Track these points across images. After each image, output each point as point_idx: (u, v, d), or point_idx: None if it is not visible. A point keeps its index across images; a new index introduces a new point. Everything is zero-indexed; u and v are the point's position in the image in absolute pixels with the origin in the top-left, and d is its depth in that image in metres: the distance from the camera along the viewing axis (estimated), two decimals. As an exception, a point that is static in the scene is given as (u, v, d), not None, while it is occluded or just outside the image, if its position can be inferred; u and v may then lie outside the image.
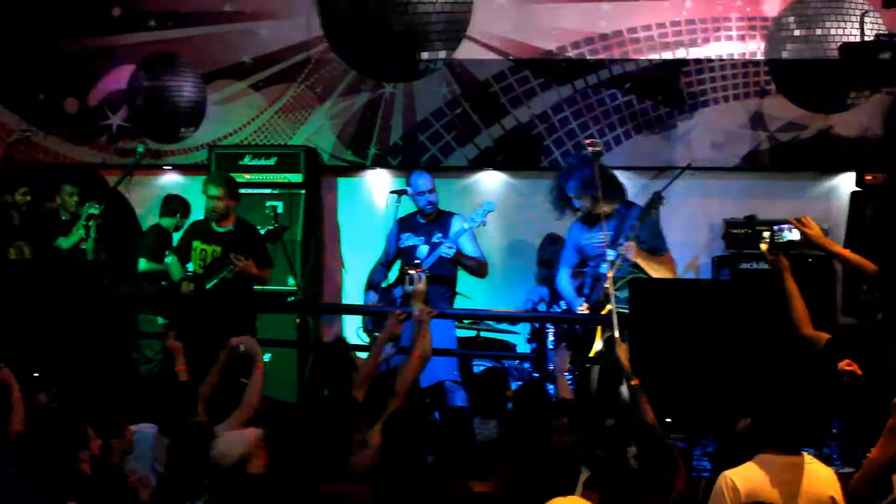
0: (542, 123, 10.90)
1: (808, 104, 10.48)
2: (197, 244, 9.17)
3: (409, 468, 5.38)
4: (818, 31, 10.47)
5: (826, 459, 7.04)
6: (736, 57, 10.61)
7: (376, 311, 9.08)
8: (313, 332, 10.62)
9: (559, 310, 9.46)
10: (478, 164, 11.06)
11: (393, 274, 9.29)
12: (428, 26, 11.02)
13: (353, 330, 9.73)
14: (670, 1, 10.68)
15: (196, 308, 8.97)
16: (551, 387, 7.57)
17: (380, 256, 9.43)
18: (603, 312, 8.18)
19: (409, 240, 9.18)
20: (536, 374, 9.07)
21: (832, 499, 5.18)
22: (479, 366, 9.63)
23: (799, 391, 5.32)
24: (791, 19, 10.53)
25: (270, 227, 9.36)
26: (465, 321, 9.79)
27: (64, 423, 5.79)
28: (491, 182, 11.07)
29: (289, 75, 11.36)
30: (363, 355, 7.57)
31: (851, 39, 10.02)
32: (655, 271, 8.34)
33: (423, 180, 9.22)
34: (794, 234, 6.64)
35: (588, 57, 10.79)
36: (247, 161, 10.93)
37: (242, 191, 9.61)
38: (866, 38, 8.74)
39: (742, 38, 10.61)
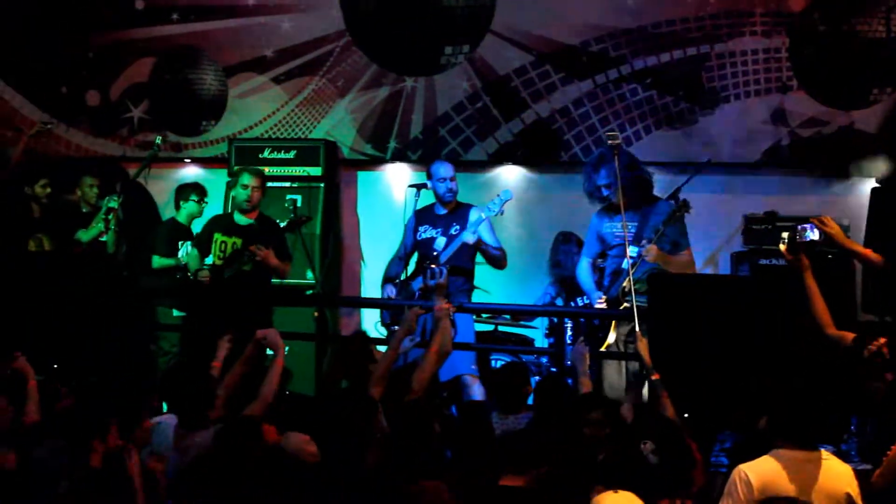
0: (562, 118, 10.89)
1: (830, 100, 10.43)
2: (218, 236, 9.22)
3: (421, 461, 5.39)
4: (843, 27, 10.42)
5: (844, 456, 7.02)
6: (759, 52, 10.57)
7: (394, 304, 9.08)
8: (331, 325, 10.64)
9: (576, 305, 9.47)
10: (498, 159, 11.05)
11: (411, 267, 9.28)
12: (451, 20, 11.00)
13: (371, 323, 9.72)
14: (695, -5, 10.67)
15: (214, 300, 8.99)
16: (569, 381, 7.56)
17: (397, 249, 9.42)
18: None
19: (426, 232, 9.16)
20: (555, 369, 9.06)
21: (848, 495, 5.16)
22: (496, 360, 9.64)
23: (815, 387, 5.31)
24: (816, 15, 10.48)
25: (293, 217, 9.38)
26: (483, 315, 9.78)
27: (84, 416, 5.83)
28: (511, 176, 11.06)
29: (310, 69, 11.36)
30: (382, 349, 7.56)
31: (877, 36, 9.99)
32: (674, 270, 8.32)
33: (444, 168, 9.21)
34: (815, 234, 6.60)
35: (611, 52, 10.76)
36: (266, 154, 10.94)
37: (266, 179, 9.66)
38: (892, 35, 8.71)
39: (766, 33, 10.56)
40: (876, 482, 5.20)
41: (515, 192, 9.90)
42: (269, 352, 7.13)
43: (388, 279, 9.35)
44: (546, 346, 9.95)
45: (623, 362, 8.30)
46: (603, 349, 8.37)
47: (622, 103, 10.77)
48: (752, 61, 10.57)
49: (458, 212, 9.12)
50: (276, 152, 10.94)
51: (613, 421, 6.25)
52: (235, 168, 10.51)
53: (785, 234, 6.60)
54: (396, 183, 11.15)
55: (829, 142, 10.43)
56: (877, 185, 9.83)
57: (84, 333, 8.54)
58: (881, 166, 10.08)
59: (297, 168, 10.88)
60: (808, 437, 5.23)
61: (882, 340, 6.06)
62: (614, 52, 10.77)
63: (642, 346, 6.77)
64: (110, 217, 9.88)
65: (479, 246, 8.89)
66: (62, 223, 10.28)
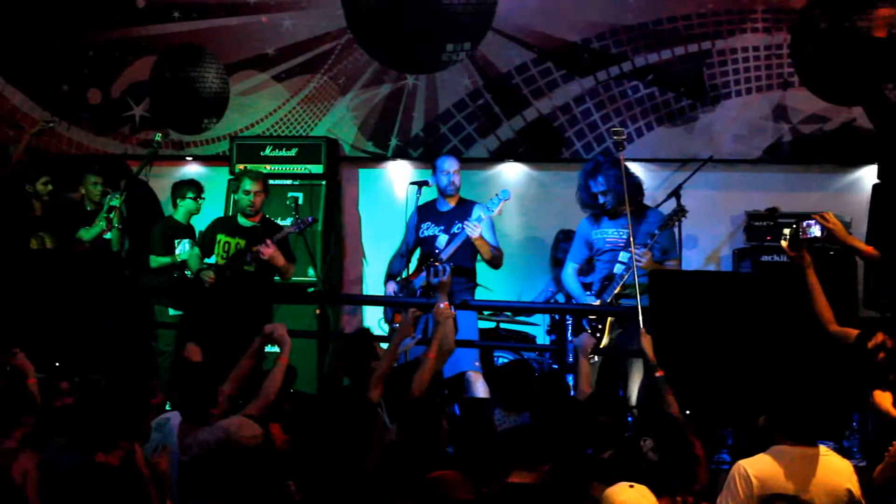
0: (563, 115, 10.89)
1: (831, 97, 10.43)
2: (221, 237, 9.27)
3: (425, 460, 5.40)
4: (844, 24, 10.42)
5: (846, 453, 7.02)
6: (760, 49, 10.56)
7: (396, 302, 9.09)
8: (333, 322, 10.65)
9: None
10: (499, 156, 11.05)
11: (413, 264, 9.27)
12: (453, 17, 11.00)
13: (373, 321, 9.73)
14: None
15: (216, 298, 9.00)
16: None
17: (399, 246, 9.42)
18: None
19: (428, 229, 9.16)
20: (556, 367, 9.06)
21: (848, 491, 5.16)
22: (499, 357, 9.63)
23: (815, 383, 5.31)
24: (817, 12, 10.47)
25: (298, 219, 9.38)
26: (485, 312, 9.78)
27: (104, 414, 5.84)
28: (512, 174, 11.06)
29: (311, 66, 11.37)
30: (385, 346, 7.56)
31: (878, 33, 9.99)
32: None
33: (448, 162, 9.23)
34: (816, 230, 6.61)
35: (613, 49, 10.76)
36: (268, 152, 10.94)
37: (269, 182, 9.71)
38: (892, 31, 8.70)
39: (768, 30, 10.55)
40: (877, 479, 5.20)
41: (517, 190, 9.94)
42: (269, 349, 7.14)
43: (390, 276, 9.36)
44: (548, 343, 9.95)
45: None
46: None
47: (623, 100, 10.77)
48: (753, 58, 10.56)
49: (461, 209, 9.12)
50: (277, 150, 10.95)
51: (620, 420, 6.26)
52: (238, 169, 10.56)
53: (787, 231, 6.60)
54: (398, 180, 11.16)
55: (830, 138, 10.43)
56: (878, 181, 9.82)
57: (86, 331, 8.55)
58: None
59: (299, 166, 10.89)
60: (807, 433, 5.23)
61: (880, 337, 6.06)
62: (616, 48, 10.77)
63: (646, 342, 6.76)
64: (112, 215, 9.89)
65: (479, 242, 8.86)
66: (64, 221, 10.28)
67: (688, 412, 6.40)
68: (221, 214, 10.24)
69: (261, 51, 11.47)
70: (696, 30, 10.65)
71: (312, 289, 10.27)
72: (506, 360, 9.47)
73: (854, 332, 6.32)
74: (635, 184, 8.61)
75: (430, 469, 5.39)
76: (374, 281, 10.97)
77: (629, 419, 6.57)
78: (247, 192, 9.21)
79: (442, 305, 7.26)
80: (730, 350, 7.39)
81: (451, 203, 9.20)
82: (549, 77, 10.92)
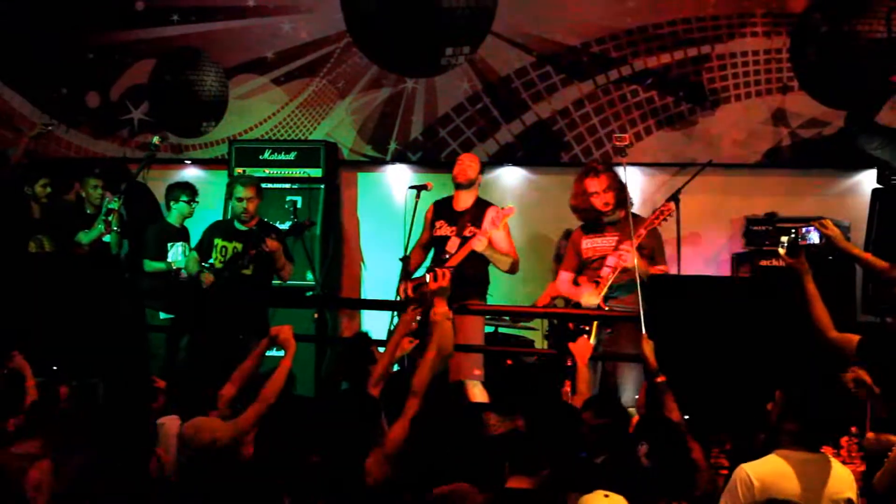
0: (563, 119, 10.89)
1: (831, 101, 10.42)
2: (218, 241, 9.28)
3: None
4: (844, 28, 10.41)
5: (843, 458, 7.01)
6: (760, 53, 10.56)
7: (392, 305, 9.09)
8: (331, 326, 10.64)
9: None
10: (498, 160, 11.04)
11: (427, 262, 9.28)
12: (452, 21, 11.00)
13: (372, 324, 9.71)
14: (697, -4, 10.67)
15: (214, 300, 9.02)
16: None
17: (419, 237, 9.36)
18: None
19: (441, 229, 9.11)
20: (554, 372, 9.03)
21: (849, 498, 5.16)
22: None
23: (819, 388, 5.30)
24: (816, 16, 10.47)
25: (296, 222, 9.39)
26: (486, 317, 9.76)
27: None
28: (511, 178, 11.06)
29: (310, 70, 11.38)
30: (382, 350, 7.55)
31: (877, 36, 9.99)
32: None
33: (466, 154, 9.29)
34: (814, 237, 6.61)
35: (612, 53, 10.76)
36: (267, 156, 10.95)
37: (261, 185, 9.73)
38: (893, 35, 8.69)
39: (767, 34, 10.55)
40: (876, 484, 5.19)
41: (515, 194, 9.97)
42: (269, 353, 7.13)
43: (406, 273, 9.24)
44: (546, 347, 9.92)
45: (598, 365, 8.34)
46: None
47: (623, 104, 10.77)
48: (752, 62, 10.55)
49: (476, 211, 9.05)
50: (276, 153, 10.95)
51: (614, 424, 6.25)
52: (236, 172, 10.56)
53: (784, 239, 6.59)
54: (397, 184, 11.16)
55: (829, 142, 10.42)
56: (878, 186, 9.81)
57: (84, 334, 8.54)
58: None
59: (298, 169, 10.88)
60: (811, 438, 5.22)
61: (851, 374, 6.04)
62: (615, 52, 10.77)
63: (647, 347, 6.74)
64: (111, 218, 9.88)
65: (491, 250, 8.83)
66: (62, 224, 10.27)
67: (686, 417, 6.39)
68: (220, 218, 10.22)
69: (260, 54, 11.48)
70: (696, 34, 10.65)
71: (311, 292, 10.27)
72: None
73: (855, 337, 6.29)
74: (624, 189, 8.62)
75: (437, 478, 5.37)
76: (372, 285, 10.97)
77: (623, 423, 6.52)
78: (240, 200, 9.24)
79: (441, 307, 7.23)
80: (729, 355, 7.39)
81: (469, 201, 9.15)
82: (549, 81, 10.92)
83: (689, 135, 10.68)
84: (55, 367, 7.89)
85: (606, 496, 4.81)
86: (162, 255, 9.87)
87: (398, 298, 8.92)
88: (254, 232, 9.21)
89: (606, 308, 8.36)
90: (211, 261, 9.21)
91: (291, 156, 10.93)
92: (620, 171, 8.17)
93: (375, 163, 11.36)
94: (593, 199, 8.56)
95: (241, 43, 11.53)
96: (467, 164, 9.12)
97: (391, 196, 11.21)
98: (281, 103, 11.45)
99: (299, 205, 10.39)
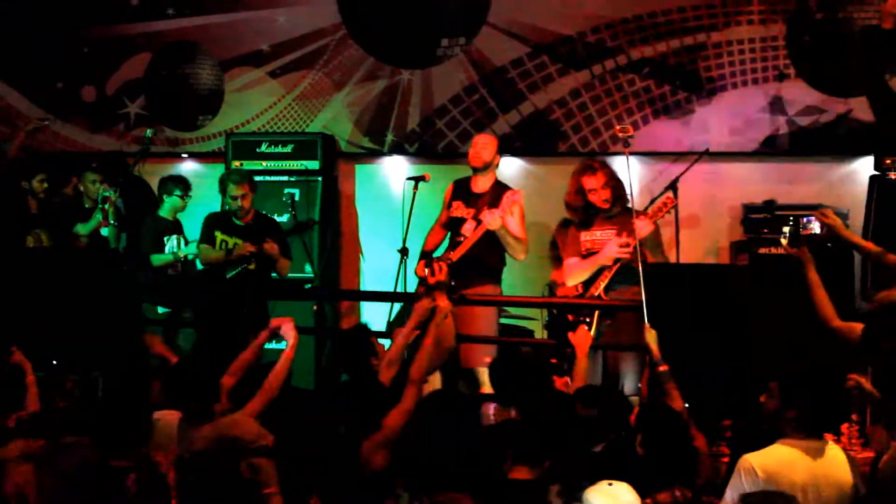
0: (559, 109, 10.88)
1: (828, 88, 10.42)
2: (218, 234, 9.31)
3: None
4: (839, 15, 10.41)
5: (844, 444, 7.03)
6: (756, 41, 10.55)
7: (393, 297, 9.11)
8: (331, 319, 10.64)
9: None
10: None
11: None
12: (447, 12, 10.99)
13: (372, 316, 9.72)
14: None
15: (216, 294, 9.06)
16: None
17: (437, 216, 9.41)
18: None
19: (458, 210, 9.11)
20: (554, 361, 9.04)
21: (854, 484, 5.18)
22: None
23: (823, 376, 5.31)
24: (812, 3, 10.46)
25: (299, 221, 9.41)
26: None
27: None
28: (509, 168, 11.02)
29: (306, 62, 11.36)
30: (382, 341, 7.55)
31: (873, 23, 9.97)
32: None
33: (481, 136, 9.33)
34: (815, 227, 6.63)
35: (608, 42, 10.75)
36: (264, 149, 10.94)
37: (259, 178, 9.87)
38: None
39: (763, 22, 10.54)
40: (881, 470, 5.19)
41: (513, 184, 9.87)
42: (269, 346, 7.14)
43: (426, 253, 9.25)
44: (546, 337, 9.93)
45: (599, 354, 8.36)
46: None
47: (619, 93, 10.76)
48: (749, 50, 10.55)
49: (493, 194, 9.05)
50: (273, 146, 10.94)
51: (614, 413, 6.26)
52: (233, 165, 10.57)
53: (786, 229, 6.63)
54: (394, 176, 11.16)
55: (827, 130, 10.42)
56: (875, 173, 9.81)
57: (84, 329, 8.55)
58: None
59: (295, 162, 10.87)
60: (815, 425, 5.23)
61: (852, 382, 6.04)
62: (611, 42, 10.76)
63: (651, 337, 6.75)
64: (107, 206, 9.87)
65: (502, 231, 8.83)
66: (60, 218, 10.27)
67: (687, 405, 6.40)
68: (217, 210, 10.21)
69: (255, 47, 11.47)
70: (692, 22, 10.64)
71: (310, 285, 10.27)
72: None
73: (858, 325, 6.30)
74: (621, 183, 8.64)
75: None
76: (371, 276, 10.98)
77: (624, 412, 6.53)
78: (234, 198, 9.27)
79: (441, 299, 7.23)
80: (727, 342, 7.41)
81: (487, 184, 9.15)
82: (545, 71, 10.91)
83: (686, 123, 10.68)
84: (55, 363, 7.90)
85: (610, 485, 4.82)
86: (159, 249, 9.88)
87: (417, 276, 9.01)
88: (252, 228, 9.24)
89: (607, 298, 8.38)
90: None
91: (288, 148, 10.92)
92: (623, 162, 8.16)
93: (373, 155, 11.36)
94: (591, 196, 8.56)
95: (237, 36, 11.51)
96: (481, 145, 9.13)
97: (389, 187, 11.20)
98: (277, 96, 11.43)
99: (297, 197, 10.36)
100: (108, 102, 11.72)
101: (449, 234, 9.25)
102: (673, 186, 9.41)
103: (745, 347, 7.42)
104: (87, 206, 10.33)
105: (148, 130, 10.14)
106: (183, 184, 10.22)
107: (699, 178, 10.02)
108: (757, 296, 7.68)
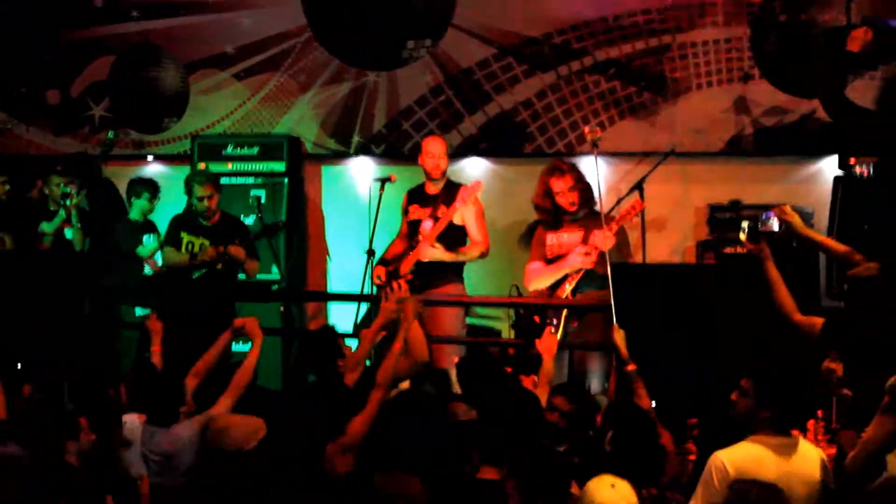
0: (525, 110, 10.88)
1: (792, 89, 10.46)
2: (184, 235, 9.27)
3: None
4: (803, 16, 10.46)
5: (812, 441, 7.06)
6: (721, 42, 10.59)
7: (359, 298, 9.12)
8: (297, 320, 10.62)
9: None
10: (462, 152, 11.02)
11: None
12: (413, 14, 10.98)
13: (338, 318, 9.70)
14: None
15: (182, 296, 9.03)
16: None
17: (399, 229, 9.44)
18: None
19: (415, 213, 9.18)
20: (520, 359, 9.05)
21: (823, 480, 5.20)
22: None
23: (791, 372, 5.33)
24: (776, 4, 10.51)
25: (267, 224, 9.40)
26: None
27: (53, 414, 5.81)
28: (475, 169, 11.04)
29: (271, 64, 11.33)
30: (349, 342, 7.54)
31: (837, 24, 10.03)
32: None
33: (433, 144, 9.34)
34: (774, 224, 6.65)
35: (574, 44, 10.77)
36: (230, 151, 10.93)
37: (225, 181, 9.87)
38: (851, 23, 8.71)
39: (727, 23, 10.58)
40: (849, 465, 5.22)
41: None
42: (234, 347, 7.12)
43: (384, 260, 9.30)
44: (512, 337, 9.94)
45: (566, 354, 8.37)
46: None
47: (585, 94, 10.77)
48: (713, 51, 10.58)
49: (449, 192, 9.12)
50: (239, 148, 10.93)
51: (577, 410, 6.28)
52: (199, 167, 10.54)
53: (745, 224, 6.64)
54: (361, 177, 11.14)
55: (791, 130, 10.46)
56: (840, 172, 9.87)
57: (47, 333, 8.51)
58: None
59: (261, 164, 10.87)
60: (784, 422, 5.25)
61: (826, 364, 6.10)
62: (576, 43, 10.77)
63: (619, 337, 6.76)
64: (68, 202, 9.81)
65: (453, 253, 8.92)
66: (24, 222, 10.21)
67: (653, 404, 6.42)
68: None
69: (220, 49, 11.43)
70: (656, 24, 10.66)
71: (276, 286, 10.25)
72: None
73: (819, 320, 6.35)
74: (589, 186, 8.70)
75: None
76: (338, 278, 10.96)
77: (591, 411, 6.55)
78: (200, 199, 9.23)
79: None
80: (693, 341, 7.44)
81: (440, 185, 9.22)
82: (511, 72, 10.92)
83: (651, 124, 10.70)
84: (18, 366, 7.86)
85: (613, 486, 4.85)
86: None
87: (373, 283, 9.05)
88: (218, 229, 9.22)
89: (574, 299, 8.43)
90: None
91: (254, 150, 10.91)
92: (592, 163, 8.18)
93: (339, 156, 11.34)
94: (559, 198, 8.64)
95: (202, 38, 11.48)
96: (438, 156, 9.20)
97: (355, 189, 11.18)
98: (243, 98, 11.40)
99: (263, 199, 10.34)
100: (72, 105, 11.67)
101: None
102: (639, 187, 9.46)
103: (712, 346, 7.46)
104: (52, 209, 10.28)
105: (109, 132, 10.10)
106: (151, 186, 10.21)
107: (665, 178, 10.04)
108: (723, 295, 7.72)
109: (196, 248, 9.20)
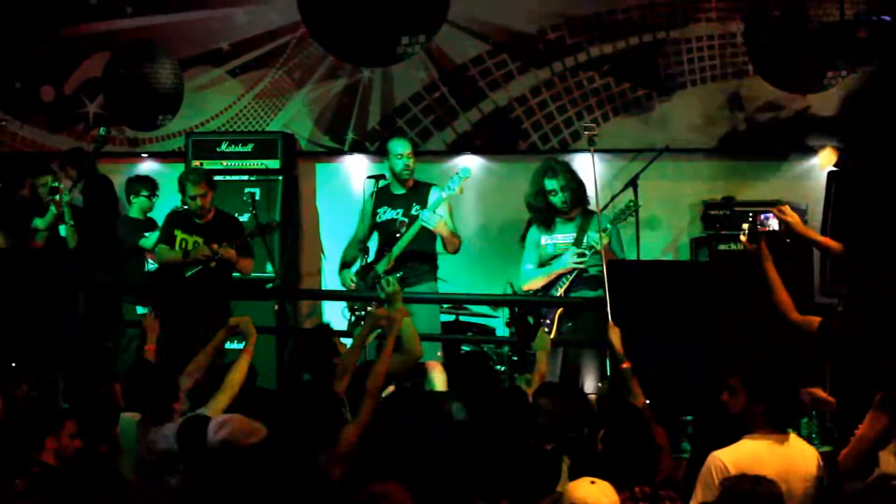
0: (520, 107, 10.88)
1: (786, 85, 10.47)
2: (178, 233, 9.24)
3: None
4: (797, 12, 10.45)
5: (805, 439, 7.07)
6: (715, 38, 10.59)
7: (354, 296, 9.11)
8: (292, 318, 10.61)
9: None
10: (456, 149, 11.03)
11: (372, 252, 9.28)
12: (407, 10, 10.97)
13: (332, 315, 9.70)
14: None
15: (177, 294, 9.02)
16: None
17: (354, 232, 9.43)
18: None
19: (386, 213, 9.19)
20: (515, 358, 9.06)
21: (819, 477, 5.23)
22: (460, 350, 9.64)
23: (788, 370, 5.35)
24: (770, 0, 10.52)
25: (261, 223, 9.40)
26: (444, 305, 9.77)
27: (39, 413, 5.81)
28: (469, 166, 10.99)
29: (266, 61, 11.32)
30: (345, 340, 7.53)
31: (830, 20, 10.04)
32: None
33: (400, 145, 9.30)
34: (773, 224, 6.66)
35: (568, 40, 10.77)
36: (224, 148, 10.92)
37: (219, 178, 9.85)
38: (845, 18, 8.74)
39: (721, 19, 10.58)
40: (843, 462, 5.24)
41: (474, 182, 9.92)
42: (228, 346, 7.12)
43: (344, 264, 9.37)
44: (507, 335, 9.94)
45: (559, 354, 8.37)
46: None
47: (579, 91, 10.77)
48: (707, 47, 10.59)
49: (418, 190, 9.14)
50: (233, 145, 10.92)
51: (563, 409, 6.28)
52: (193, 164, 10.54)
53: (745, 225, 6.66)
54: (355, 174, 11.12)
55: (785, 126, 10.48)
56: (834, 168, 9.88)
57: (41, 331, 8.50)
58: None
59: (256, 161, 10.86)
60: (780, 416, 5.27)
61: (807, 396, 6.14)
62: (571, 39, 10.77)
63: (614, 334, 6.76)
64: (57, 197, 9.79)
65: (440, 229, 8.88)
66: (16, 219, 10.20)
67: (648, 402, 6.43)
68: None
69: (215, 46, 11.41)
70: (651, 20, 10.66)
71: (271, 284, 10.24)
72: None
73: (816, 319, 6.35)
74: (583, 185, 8.72)
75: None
76: (332, 275, 10.93)
77: (584, 409, 6.56)
78: (192, 197, 9.17)
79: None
80: (687, 338, 7.45)
81: (408, 186, 9.21)
82: (505, 69, 10.91)
83: (645, 121, 10.71)
84: (13, 364, 7.85)
85: (592, 482, 4.84)
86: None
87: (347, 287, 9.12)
88: (212, 226, 9.20)
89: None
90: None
91: (249, 147, 10.90)
92: (586, 160, 8.18)
93: (333, 153, 11.33)
94: (552, 197, 8.64)
95: (196, 34, 11.45)
96: (411, 161, 9.17)
97: (350, 186, 11.16)
98: (237, 95, 11.39)
99: (258, 196, 10.31)
100: (66, 102, 11.64)
101: (377, 238, 9.30)
102: (633, 184, 9.47)
103: (706, 343, 7.46)
104: (45, 203, 10.27)
105: (101, 129, 10.08)
106: (150, 184, 10.24)
107: (659, 175, 10.05)
108: (717, 291, 7.73)
109: (189, 246, 9.16)
